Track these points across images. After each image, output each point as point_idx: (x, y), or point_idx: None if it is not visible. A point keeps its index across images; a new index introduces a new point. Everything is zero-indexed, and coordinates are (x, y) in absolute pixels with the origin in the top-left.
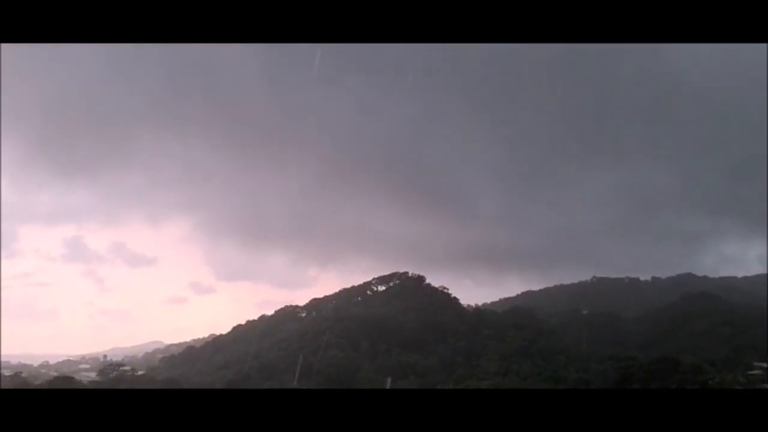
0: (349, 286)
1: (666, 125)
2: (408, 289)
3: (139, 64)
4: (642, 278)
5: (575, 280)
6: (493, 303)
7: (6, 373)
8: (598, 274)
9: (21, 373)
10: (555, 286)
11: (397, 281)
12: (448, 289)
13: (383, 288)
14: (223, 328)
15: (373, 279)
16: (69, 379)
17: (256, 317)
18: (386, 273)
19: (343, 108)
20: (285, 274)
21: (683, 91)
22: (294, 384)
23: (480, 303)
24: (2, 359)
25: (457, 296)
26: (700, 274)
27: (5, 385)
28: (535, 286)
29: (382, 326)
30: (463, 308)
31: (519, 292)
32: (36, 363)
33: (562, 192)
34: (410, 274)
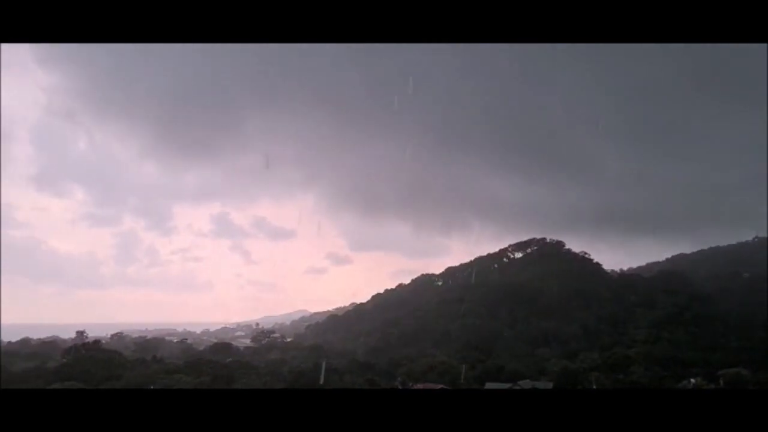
0: (484, 254)
1: None
2: (546, 255)
3: (241, 56)
4: None
5: (733, 242)
6: (639, 268)
7: (173, 340)
8: (762, 234)
9: (186, 339)
10: (710, 249)
11: (535, 247)
12: (589, 254)
13: (520, 254)
14: (363, 296)
15: (509, 246)
16: (227, 345)
17: (393, 286)
18: (521, 239)
19: (451, 73)
20: (417, 243)
21: None
22: (433, 351)
23: (625, 268)
24: (168, 328)
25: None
26: None
27: (174, 351)
28: (687, 249)
29: (520, 293)
30: (607, 273)
31: (669, 256)
32: (198, 330)
33: (695, 146)
34: (548, 240)
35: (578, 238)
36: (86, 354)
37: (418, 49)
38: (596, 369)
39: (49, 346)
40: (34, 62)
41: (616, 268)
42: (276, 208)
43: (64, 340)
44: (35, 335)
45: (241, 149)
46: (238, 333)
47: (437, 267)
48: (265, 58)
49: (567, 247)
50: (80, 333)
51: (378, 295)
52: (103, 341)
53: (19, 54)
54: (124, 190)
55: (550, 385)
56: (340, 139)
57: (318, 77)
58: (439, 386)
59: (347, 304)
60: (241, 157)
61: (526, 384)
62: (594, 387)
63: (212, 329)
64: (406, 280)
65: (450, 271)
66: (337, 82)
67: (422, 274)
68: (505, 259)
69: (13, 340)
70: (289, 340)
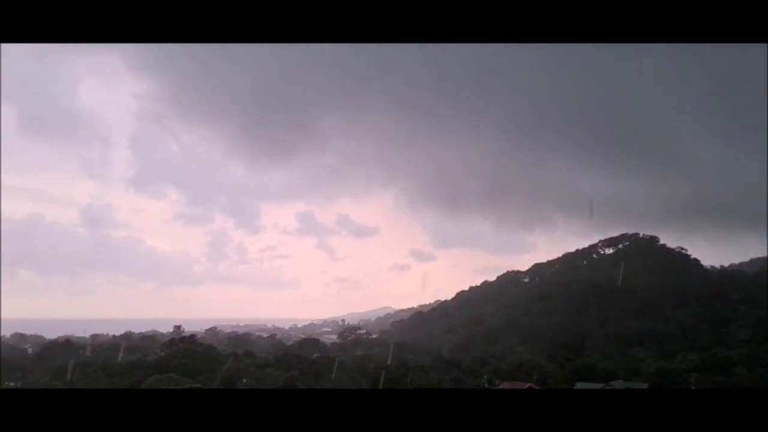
0: (572, 250)
1: None
2: (639, 251)
3: (314, 56)
4: None
5: None
6: (742, 263)
7: (263, 335)
8: None
9: (275, 334)
10: None
11: (627, 243)
12: (686, 250)
13: (611, 250)
14: (447, 294)
15: (599, 241)
16: (315, 340)
17: (478, 283)
18: (610, 235)
19: (529, 69)
20: (501, 240)
21: None
22: (520, 349)
23: (726, 264)
24: (259, 323)
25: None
26: None
27: (264, 346)
28: None
29: (611, 291)
30: (706, 270)
31: None
32: (286, 326)
33: None
34: (641, 235)
35: (673, 232)
36: (183, 348)
37: (494, 48)
38: (695, 370)
39: (149, 339)
40: (125, 69)
41: (716, 264)
42: (358, 205)
43: (162, 334)
44: (136, 329)
45: (321, 148)
46: (325, 329)
47: (523, 264)
48: (339, 58)
49: (661, 242)
50: (177, 327)
51: (462, 292)
52: (198, 336)
53: (111, 61)
54: (213, 191)
55: (644, 386)
56: (418, 137)
57: (393, 76)
58: (527, 385)
59: (432, 301)
60: (321, 156)
61: (618, 384)
62: (693, 388)
63: (300, 325)
64: (491, 277)
65: (536, 268)
66: (412, 81)
67: (508, 271)
68: (594, 256)
69: (117, 333)
70: (374, 336)
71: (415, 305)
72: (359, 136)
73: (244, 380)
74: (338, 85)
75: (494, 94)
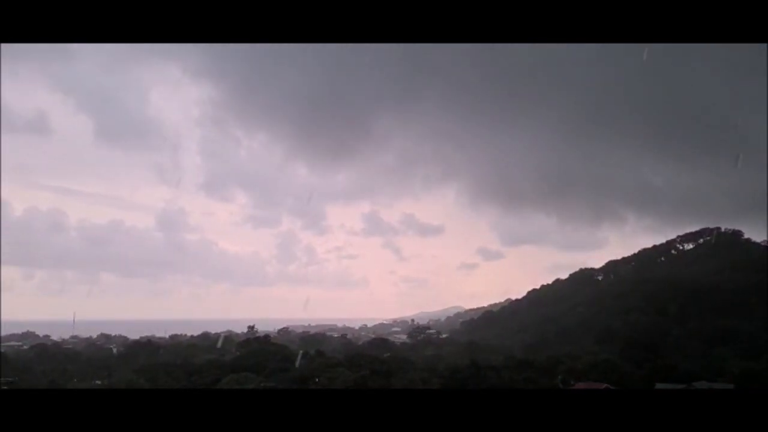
0: (648, 246)
1: None
2: (722, 246)
3: (368, 59)
4: None
5: None
6: None
7: (334, 335)
8: None
9: (346, 334)
10: None
11: (707, 237)
12: None
13: (690, 246)
14: (518, 292)
15: (678, 237)
16: (384, 340)
17: (549, 281)
18: (687, 230)
19: (589, 59)
20: (571, 236)
21: None
22: (593, 348)
23: None
24: (329, 323)
25: None
26: None
27: (335, 346)
28: None
29: (692, 288)
30: None
31: None
32: (356, 326)
33: None
34: (723, 230)
35: (759, 226)
36: (258, 347)
37: (555, 45)
38: None
39: (225, 339)
40: (185, 76)
41: None
42: (421, 204)
43: (237, 334)
44: (213, 329)
45: (380, 149)
46: (394, 329)
47: (595, 260)
48: (391, 59)
49: (746, 236)
50: (251, 328)
51: (534, 290)
52: (271, 335)
53: (170, 68)
54: (279, 193)
55: (730, 387)
56: (476, 133)
57: (446, 75)
58: (603, 385)
59: (501, 299)
60: (381, 157)
61: (701, 385)
62: None
63: (369, 325)
64: (563, 275)
65: (611, 265)
66: (466, 79)
67: (580, 269)
68: (673, 252)
69: (195, 334)
70: (444, 336)
71: (485, 304)
72: (417, 136)
73: (317, 379)
74: (392, 86)
75: (556, 89)
